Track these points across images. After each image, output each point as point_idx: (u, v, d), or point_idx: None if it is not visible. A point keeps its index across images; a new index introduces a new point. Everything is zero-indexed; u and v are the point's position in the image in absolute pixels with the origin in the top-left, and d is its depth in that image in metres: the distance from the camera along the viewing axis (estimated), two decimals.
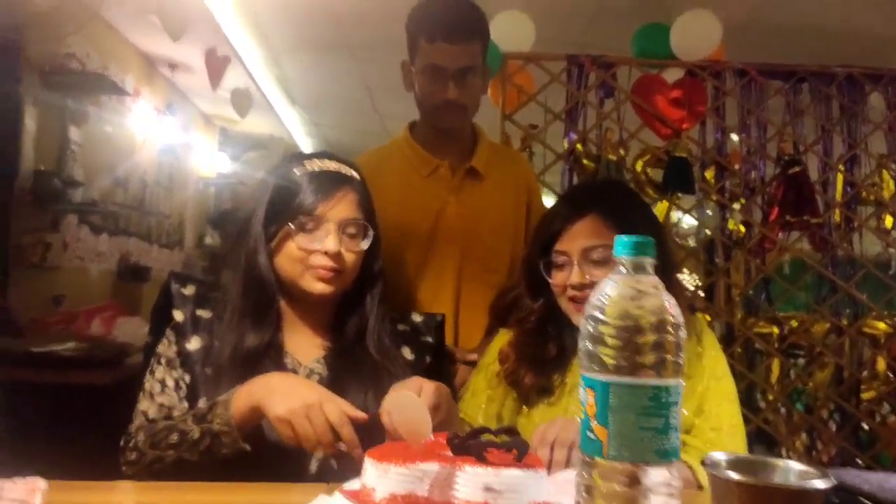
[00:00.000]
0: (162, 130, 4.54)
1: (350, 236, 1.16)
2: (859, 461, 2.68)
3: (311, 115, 5.62)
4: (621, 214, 1.19)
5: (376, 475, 0.70)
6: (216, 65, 3.75)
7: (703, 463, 0.74)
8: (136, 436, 1.09)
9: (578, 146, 2.80)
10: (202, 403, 1.10)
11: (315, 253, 1.14)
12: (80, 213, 3.61)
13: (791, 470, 0.75)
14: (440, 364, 1.28)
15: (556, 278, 1.19)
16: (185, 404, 1.12)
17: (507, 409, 1.24)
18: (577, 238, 1.17)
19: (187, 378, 1.13)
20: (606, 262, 1.15)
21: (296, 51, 4.16)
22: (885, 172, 2.85)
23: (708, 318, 2.89)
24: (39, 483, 0.83)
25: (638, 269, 0.69)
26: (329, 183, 1.17)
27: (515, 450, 0.72)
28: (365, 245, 1.18)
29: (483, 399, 1.26)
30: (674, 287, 1.21)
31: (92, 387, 2.26)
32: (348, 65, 4.19)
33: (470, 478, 0.69)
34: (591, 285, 1.15)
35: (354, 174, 1.22)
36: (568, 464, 0.94)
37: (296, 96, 5.15)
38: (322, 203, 1.14)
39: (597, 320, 0.66)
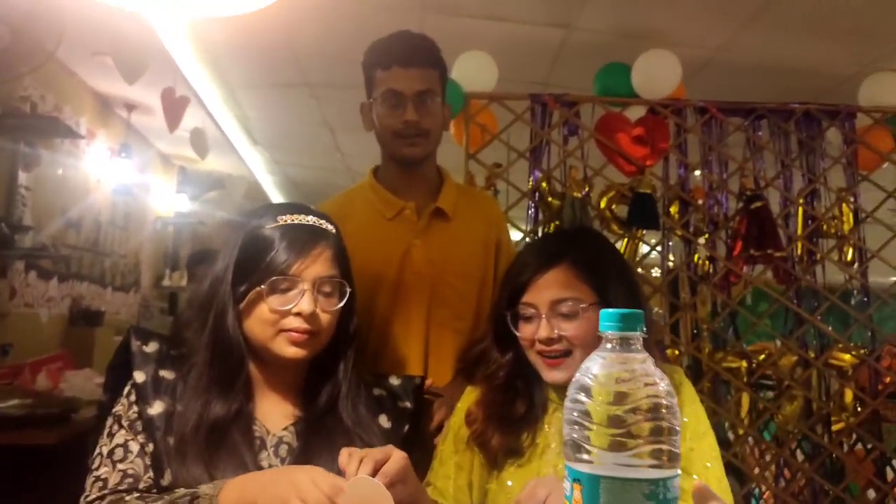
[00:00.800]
0: (117, 171, 4.42)
1: (325, 295, 1.09)
2: (829, 491, 2.66)
3: (272, 153, 5.55)
4: (592, 264, 1.14)
5: None
6: (174, 106, 3.67)
7: None
8: None
9: (543, 184, 2.79)
10: (167, 476, 1.01)
11: (287, 315, 1.06)
12: (29, 258, 3.46)
13: None
14: (418, 431, 1.21)
15: (524, 332, 1.14)
16: (151, 474, 1.02)
17: (475, 475, 1.17)
18: (545, 290, 1.12)
19: (151, 446, 1.03)
20: (576, 316, 1.10)
21: (255, 89, 4.11)
22: (844, 205, 2.90)
23: (676, 352, 2.88)
24: None
25: (626, 344, 0.63)
26: (304, 239, 1.09)
27: None
28: (340, 304, 1.10)
29: (451, 468, 1.18)
30: (649, 331, 1.16)
31: (37, 447, 2.13)
32: (308, 103, 4.15)
33: None
34: (560, 339, 1.10)
35: (330, 228, 1.14)
36: None
37: (256, 135, 5.08)
38: (296, 261, 1.06)
39: (582, 405, 0.59)
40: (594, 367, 0.62)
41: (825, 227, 2.87)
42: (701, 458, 1.10)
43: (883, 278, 2.90)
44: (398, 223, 1.53)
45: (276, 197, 7.04)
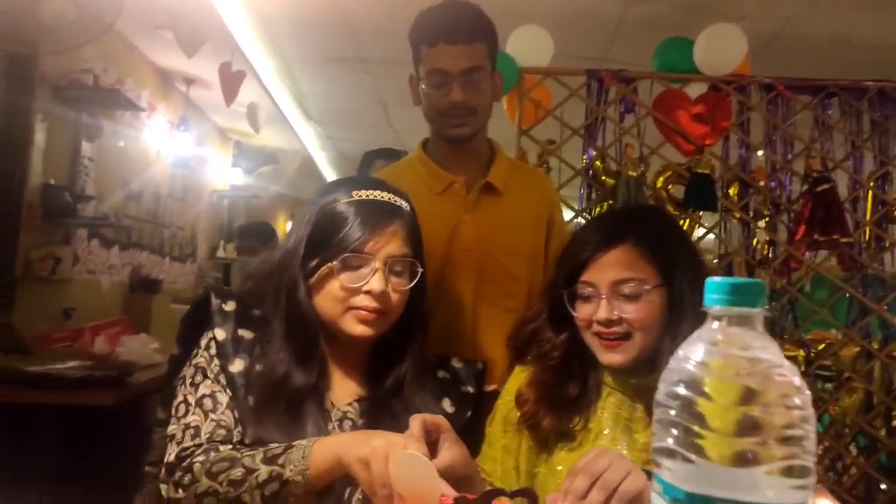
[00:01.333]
0: (176, 144, 4.53)
1: (396, 274, 1.07)
2: (883, 487, 2.56)
3: (325, 128, 5.59)
4: (657, 244, 1.08)
5: None
6: (231, 80, 3.72)
7: None
8: (193, 456, 0.98)
9: (597, 162, 2.72)
10: (249, 433, 1.02)
11: (358, 292, 1.05)
12: (91, 227, 3.59)
13: None
14: (479, 417, 1.19)
15: (582, 312, 1.09)
16: (240, 428, 1.03)
17: (523, 457, 1.14)
18: (607, 269, 1.07)
19: (234, 402, 1.04)
20: (638, 297, 1.06)
21: (310, 65, 4.13)
22: None
23: None
24: None
25: (745, 324, 0.48)
26: (378, 216, 1.07)
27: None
28: (411, 284, 1.09)
29: (498, 450, 1.16)
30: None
31: (95, 408, 2.21)
32: (362, 79, 4.16)
33: None
34: (620, 321, 1.06)
35: (405, 205, 1.12)
36: None
37: (310, 110, 5.12)
38: (370, 239, 1.05)
39: (690, 403, 0.46)
40: (700, 353, 0.48)
41: None
42: None
43: None
44: (447, 198, 1.50)
45: (329, 172, 7.12)
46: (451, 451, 0.93)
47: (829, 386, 2.82)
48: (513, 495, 0.67)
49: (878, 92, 2.68)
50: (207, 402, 1.03)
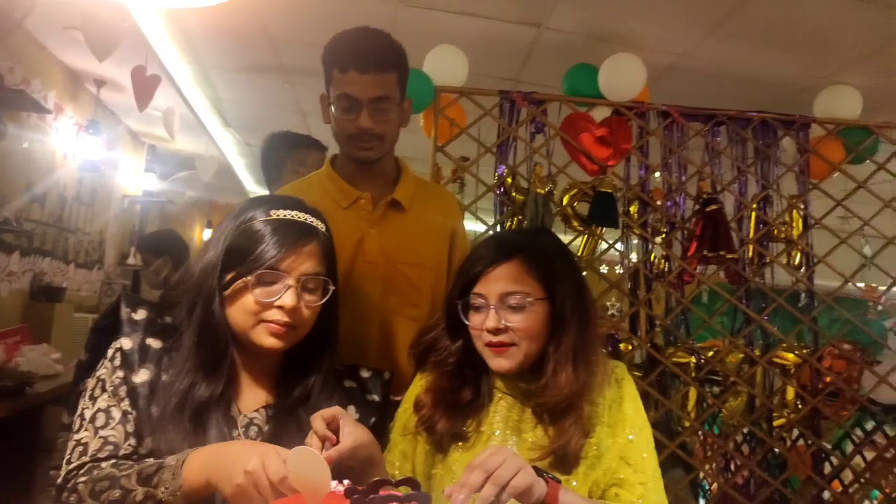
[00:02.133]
0: (85, 147, 4.37)
1: (309, 291, 1.12)
2: (770, 484, 2.78)
3: (243, 135, 5.52)
4: (543, 262, 1.19)
5: None
6: (144, 84, 3.65)
7: None
8: (77, 477, 1.00)
9: (508, 179, 2.85)
10: (147, 444, 1.05)
11: (270, 307, 1.09)
12: None
13: None
14: (384, 424, 1.25)
15: (474, 321, 1.19)
16: (132, 441, 1.05)
17: (419, 460, 1.22)
18: (496, 282, 1.17)
19: (133, 413, 1.06)
20: (523, 309, 1.15)
21: (229, 71, 4.09)
22: (794, 212, 3.02)
23: (629, 347, 2.99)
24: None
25: None
26: (294, 236, 1.11)
27: (416, 502, 0.72)
28: (322, 300, 1.14)
29: (397, 455, 1.24)
30: (594, 332, 1.22)
31: None
32: (282, 88, 4.16)
33: None
34: (507, 330, 1.16)
35: (321, 226, 1.17)
36: (494, 502, 0.92)
37: (228, 117, 5.06)
38: (285, 257, 1.09)
39: None
40: None
41: (776, 231, 2.98)
42: (639, 449, 1.18)
43: (828, 282, 3.03)
44: (353, 212, 1.55)
45: (247, 179, 7.01)
46: (352, 433, 1.01)
47: (716, 389, 3.04)
48: (397, 484, 0.74)
49: (761, 122, 2.94)
50: (100, 418, 1.06)
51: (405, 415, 1.26)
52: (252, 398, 1.16)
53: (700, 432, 3.01)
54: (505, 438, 1.19)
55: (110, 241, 5.32)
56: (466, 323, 1.20)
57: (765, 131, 2.97)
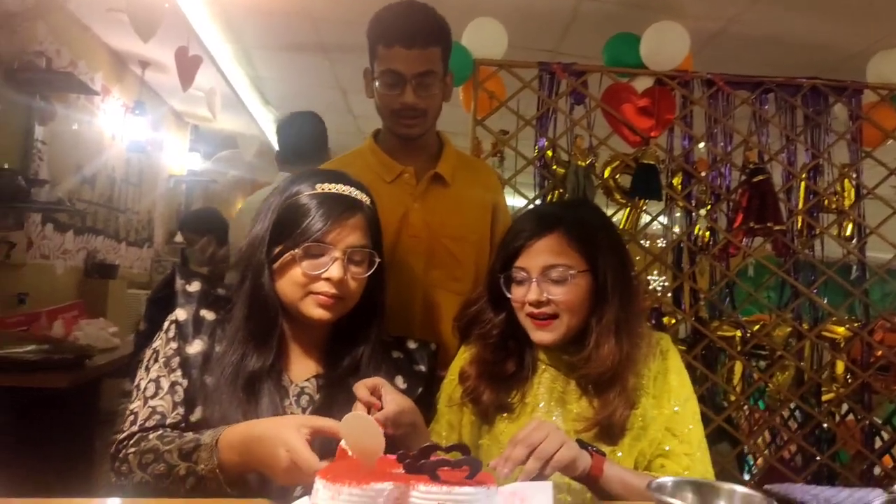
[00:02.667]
0: (131, 128, 4.48)
1: (355, 263, 1.14)
2: (818, 459, 2.75)
3: (284, 114, 5.57)
4: (584, 234, 1.19)
5: (328, 496, 0.71)
6: (187, 64, 3.71)
7: (648, 487, 0.75)
8: (127, 448, 1.05)
9: (549, 152, 2.83)
10: (198, 412, 1.08)
11: (318, 279, 1.11)
12: (45, 212, 3.55)
13: (735, 495, 0.76)
14: (430, 394, 1.27)
15: (516, 294, 1.20)
16: (181, 410, 1.09)
17: (465, 430, 1.24)
18: (538, 255, 1.18)
19: (185, 382, 1.10)
20: (565, 281, 1.16)
21: (269, 50, 4.13)
22: (846, 182, 2.93)
23: (673, 320, 2.96)
24: None
25: None
26: (339, 208, 1.13)
27: (467, 467, 0.73)
28: (369, 272, 1.16)
29: (444, 426, 1.26)
30: (637, 305, 1.22)
31: (52, 390, 2.23)
32: (322, 65, 4.18)
33: (423, 496, 0.70)
34: (548, 303, 1.16)
35: (365, 199, 1.19)
36: (538, 475, 0.93)
37: (269, 96, 5.11)
38: (331, 229, 1.11)
39: None
40: None
41: (826, 202, 2.90)
42: (684, 421, 1.18)
43: (882, 254, 2.94)
44: (397, 186, 1.57)
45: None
46: (395, 400, 1.03)
47: (763, 364, 3.00)
48: (448, 450, 0.76)
49: (810, 89, 2.85)
50: (150, 388, 1.10)
51: (451, 386, 1.28)
52: (303, 368, 1.19)
53: (746, 407, 2.98)
54: (549, 410, 1.20)
55: (158, 220, 5.47)
56: (509, 296, 1.21)
57: (815, 98, 2.88)
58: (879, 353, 2.86)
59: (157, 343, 1.15)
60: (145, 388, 1.11)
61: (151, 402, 1.09)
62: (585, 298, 1.18)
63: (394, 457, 0.77)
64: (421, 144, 1.60)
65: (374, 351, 1.20)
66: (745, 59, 2.97)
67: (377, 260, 1.17)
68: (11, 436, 2.22)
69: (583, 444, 1.03)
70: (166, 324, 1.16)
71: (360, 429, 0.75)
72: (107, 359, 2.62)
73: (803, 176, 2.89)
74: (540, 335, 1.19)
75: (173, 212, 5.86)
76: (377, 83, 1.51)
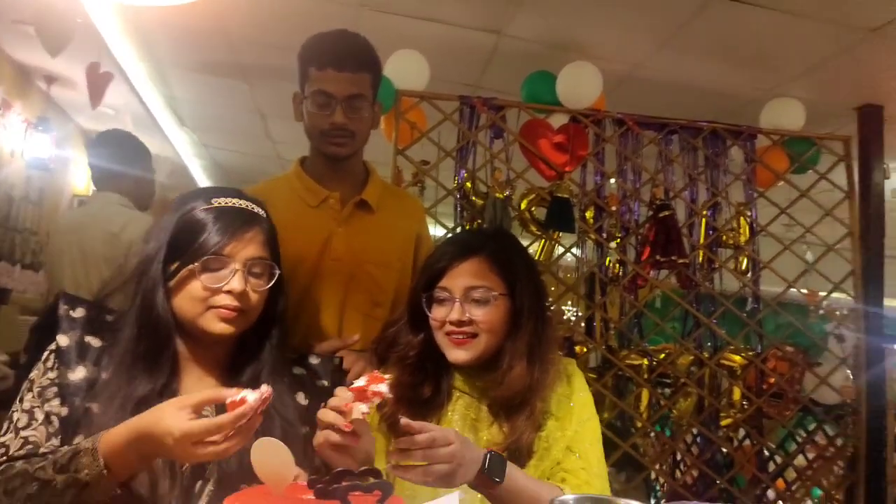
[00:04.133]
0: (34, 144, 4.25)
1: (255, 276, 1.14)
2: (718, 482, 2.87)
3: (200, 136, 5.44)
4: (505, 259, 1.25)
5: None
6: (98, 81, 3.57)
7: (551, 502, 0.78)
8: None
9: (468, 183, 2.89)
10: (78, 440, 1.03)
11: (218, 292, 1.10)
12: None
13: None
14: None
15: (437, 313, 1.24)
16: (55, 441, 1.04)
17: (380, 458, 1.22)
18: (461, 276, 1.22)
19: (64, 411, 1.05)
20: (487, 303, 1.21)
21: (185, 70, 4.03)
22: (742, 219, 3.13)
23: (584, 349, 3.05)
24: None
25: None
26: (237, 222, 1.14)
27: (379, 491, 0.73)
28: (269, 284, 1.16)
29: None
30: (550, 331, 1.27)
31: None
32: (240, 88, 4.11)
33: None
34: (470, 322, 1.21)
35: (262, 212, 1.19)
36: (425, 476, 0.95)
37: (184, 117, 4.98)
38: (229, 242, 1.11)
39: None
40: None
41: (724, 237, 3.09)
42: (584, 438, 1.23)
43: (774, 287, 3.15)
44: (322, 211, 1.59)
45: (203, 180, 6.89)
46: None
47: (668, 391, 3.13)
48: (361, 474, 0.76)
49: (710, 132, 3.04)
50: (23, 419, 1.05)
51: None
52: (201, 388, 1.15)
53: (652, 433, 3.09)
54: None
55: None
56: (429, 315, 1.24)
57: (714, 141, 3.08)
58: (772, 380, 3.05)
59: (33, 374, 1.09)
60: (17, 420, 1.05)
61: (23, 433, 1.04)
62: (503, 321, 1.23)
63: (304, 483, 0.77)
64: (348, 169, 1.62)
65: (274, 367, 1.19)
66: (652, 101, 3.15)
67: (277, 272, 1.17)
68: None
69: (496, 460, 1.05)
70: (45, 353, 1.11)
71: (270, 454, 0.74)
72: None
73: (704, 212, 3.07)
74: (456, 353, 1.22)
75: None
76: (307, 104, 1.54)
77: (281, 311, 1.22)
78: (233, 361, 1.19)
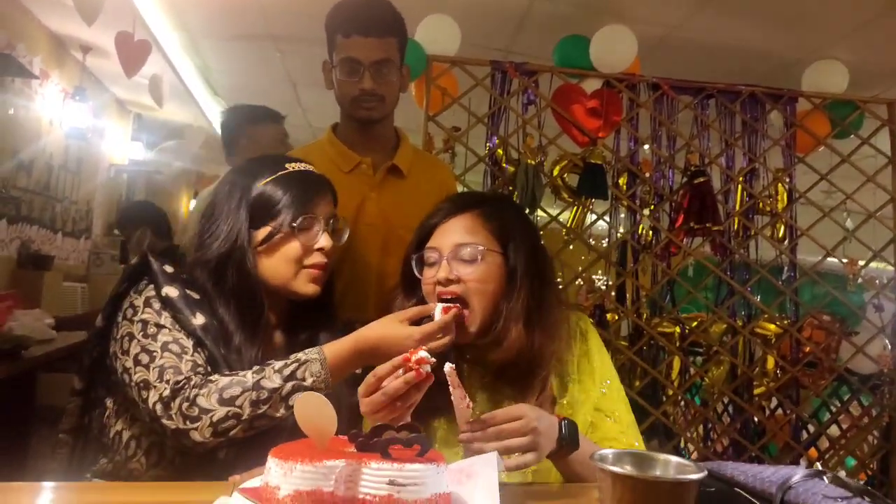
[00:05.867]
0: (71, 114, 4.33)
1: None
2: (749, 450, 2.87)
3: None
4: (498, 217, 1.19)
5: (281, 474, 0.72)
6: (132, 51, 3.60)
7: (591, 457, 0.79)
8: (187, 389, 1.03)
9: (499, 150, 2.87)
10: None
11: (311, 251, 1.17)
12: None
13: (670, 464, 0.82)
14: None
15: (426, 274, 1.17)
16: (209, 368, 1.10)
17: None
18: (450, 233, 1.17)
19: (204, 352, 1.10)
20: (475, 261, 1.14)
21: (218, 39, 4.05)
22: (780, 185, 3.07)
23: (615, 317, 3.04)
24: None
25: None
26: (315, 184, 1.22)
27: (418, 445, 0.75)
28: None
29: None
30: (552, 296, 1.20)
31: None
32: (272, 57, 4.12)
33: (375, 473, 0.72)
34: (458, 281, 1.13)
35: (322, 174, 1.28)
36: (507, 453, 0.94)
37: (217, 86, 5.01)
38: (316, 202, 1.19)
39: None
40: None
41: (761, 204, 3.03)
42: (613, 401, 1.20)
43: (811, 256, 3.09)
44: (354, 177, 1.62)
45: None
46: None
47: (699, 360, 3.11)
48: (399, 429, 0.78)
49: (749, 96, 2.97)
50: (174, 347, 1.08)
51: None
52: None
53: (682, 401, 3.08)
54: (483, 411, 1.21)
55: (98, 211, 5.29)
56: (419, 277, 1.18)
57: (753, 105, 3.00)
58: (808, 349, 3.01)
59: (143, 316, 1.11)
60: (167, 348, 1.07)
61: (188, 357, 1.08)
62: (495, 281, 1.15)
63: (345, 437, 0.79)
64: (379, 135, 1.65)
65: (329, 324, 1.25)
66: (688, 65, 3.08)
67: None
68: None
69: (571, 425, 1.03)
70: (141, 300, 1.12)
71: (313, 408, 0.76)
72: (43, 350, 2.54)
73: (740, 179, 3.01)
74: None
75: (113, 202, 5.67)
76: (336, 72, 1.57)
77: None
78: (292, 318, 1.25)
